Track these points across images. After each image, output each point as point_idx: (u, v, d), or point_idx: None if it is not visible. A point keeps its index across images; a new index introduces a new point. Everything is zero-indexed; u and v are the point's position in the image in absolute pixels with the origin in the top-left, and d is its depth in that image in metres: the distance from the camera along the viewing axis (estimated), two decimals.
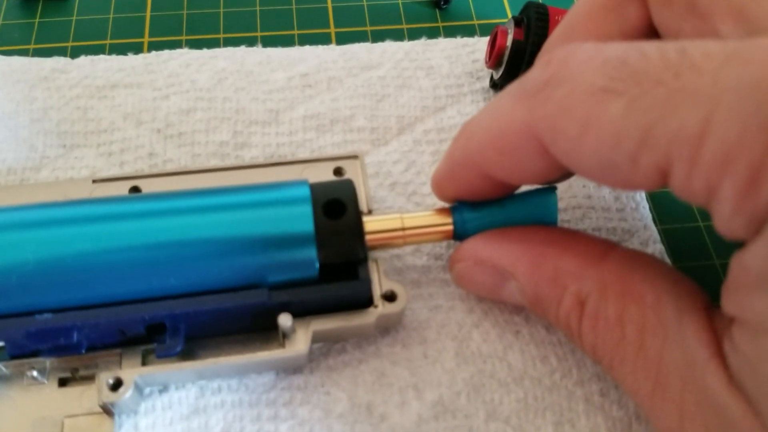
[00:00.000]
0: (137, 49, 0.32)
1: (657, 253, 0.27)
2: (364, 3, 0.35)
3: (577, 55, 0.17)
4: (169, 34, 0.33)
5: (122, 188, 0.25)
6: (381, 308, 0.24)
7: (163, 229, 0.22)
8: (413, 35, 0.34)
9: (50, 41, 0.32)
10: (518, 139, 0.19)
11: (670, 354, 0.19)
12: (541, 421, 0.24)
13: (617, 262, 0.21)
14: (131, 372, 0.22)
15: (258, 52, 0.32)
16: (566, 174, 0.24)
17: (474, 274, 0.23)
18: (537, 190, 0.24)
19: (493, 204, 0.23)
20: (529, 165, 0.19)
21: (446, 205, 0.25)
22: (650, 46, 0.16)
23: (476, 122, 0.21)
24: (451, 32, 0.34)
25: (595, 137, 0.16)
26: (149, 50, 0.32)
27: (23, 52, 0.32)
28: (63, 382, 0.23)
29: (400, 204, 0.28)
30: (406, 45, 0.33)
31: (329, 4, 0.35)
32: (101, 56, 0.31)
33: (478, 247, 0.23)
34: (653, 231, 0.28)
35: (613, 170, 0.17)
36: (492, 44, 0.30)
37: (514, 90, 0.19)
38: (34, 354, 0.22)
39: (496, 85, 0.30)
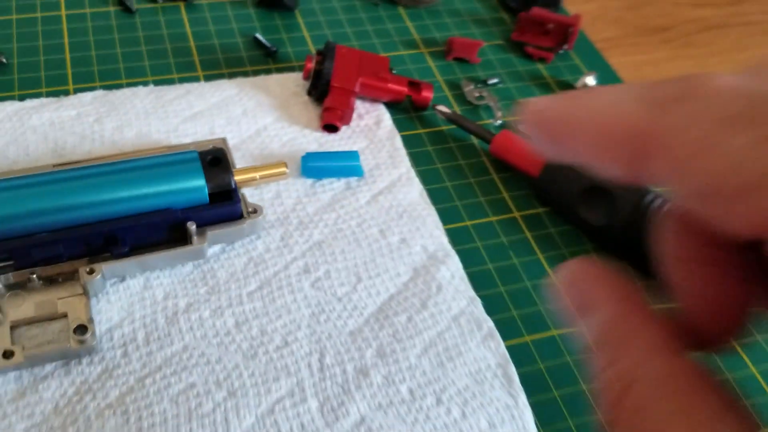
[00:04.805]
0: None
1: None
2: (220, 56, 0.49)
3: (715, 81, 0.16)
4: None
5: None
6: (249, 219, 0.37)
7: (116, 178, 0.35)
8: (257, 74, 0.49)
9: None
10: (623, 134, 0.17)
11: None
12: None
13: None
14: (99, 265, 0.34)
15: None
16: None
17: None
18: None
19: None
20: (612, 160, 0.17)
21: (282, 162, 0.39)
22: None
23: (595, 98, 0.17)
24: (281, 71, 0.49)
25: (711, 160, 0.15)
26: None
27: None
28: (53, 282, 0.35)
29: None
30: (251, 78, 0.47)
31: (195, 58, 0.49)
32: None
33: None
34: None
35: (710, 199, 0.15)
36: (306, 65, 0.46)
37: (641, 91, 0.17)
38: (32, 265, 0.34)
39: (310, 92, 0.46)
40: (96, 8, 0.51)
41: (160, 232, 0.36)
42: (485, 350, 0.36)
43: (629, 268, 0.41)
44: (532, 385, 0.35)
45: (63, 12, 0.50)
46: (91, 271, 0.34)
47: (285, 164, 0.40)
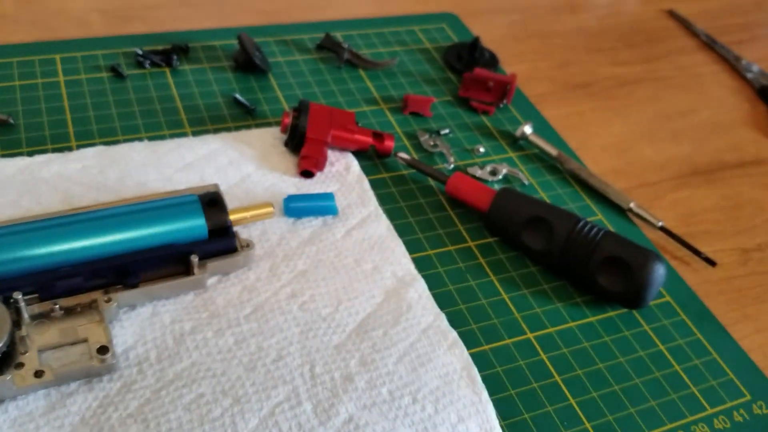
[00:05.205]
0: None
1: None
2: (205, 114, 0.55)
3: None
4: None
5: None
6: (243, 252, 0.43)
7: (128, 218, 0.40)
8: (238, 129, 0.55)
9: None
10: None
11: None
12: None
13: None
14: (115, 294, 0.39)
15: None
16: None
17: None
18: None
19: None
20: None
21: (269, 203, 0.45)
22: None
23: None
24: (259, 126, 0.55)
25: None
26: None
27: None
28: (72, 312, 0.39)
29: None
30: (234, 133, 0.53)
31: (183, 116, 0.54)
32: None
33: None
34: None
35: None
36: (283, 120, 0.52)
37: None
38: (54, 297, 0.39)
39: (287, 144, 0.52)
40: (90, 74, 0.56)
41: (167, 264, 0.41)
42: (451, 356, 0.42)
43: (567, 284, 0.48)
44: (491, 385, 0.41)
45: (61, 78, 0.55)
46: (109, 300, 0.39)
47: (272, 205, 0.46)
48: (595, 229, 0.46)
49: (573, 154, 0.59)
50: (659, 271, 0.44)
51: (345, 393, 0.39)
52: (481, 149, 0.57)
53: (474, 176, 0.55)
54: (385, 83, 0.63)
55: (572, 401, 0.41)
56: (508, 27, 0.75)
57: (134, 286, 0.40)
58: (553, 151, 0.57)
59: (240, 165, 0.51)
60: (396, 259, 0.47)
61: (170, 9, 0.67)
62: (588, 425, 0.40)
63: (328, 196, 0.49)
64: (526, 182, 0.55)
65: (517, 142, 0.59)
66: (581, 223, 0.46)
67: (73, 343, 0.38)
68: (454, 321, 0.44)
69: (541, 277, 0.48)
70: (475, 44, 0.66)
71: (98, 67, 0.57)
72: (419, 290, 0.45)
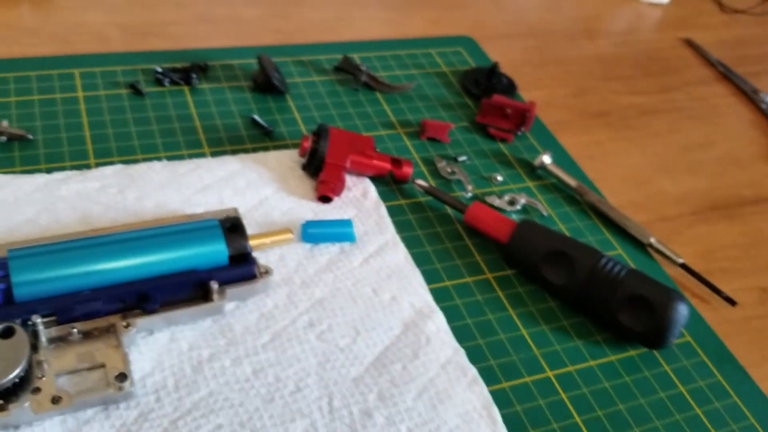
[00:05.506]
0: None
1: None
2: (223, 135, 0.55)
3: None
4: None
5: None
6: (261, 278, 0.42)
7: (149, 242, 0.40)
8: (256, 151, 0.54)
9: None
10: None
11: None
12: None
13: None
14: (134, 320, 0.39)
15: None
16: None
17: None
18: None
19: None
20: None
21: (288, 228, 0.45)
22: None
23: None
24: (277, 148, 0.55)
25: None
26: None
27: None
28: (89, 335, 0.38)
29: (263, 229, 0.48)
30: (252, 155, 0.53)
31: (201, 136, 0.54)
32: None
33: None
34: None
35: None
36: (302, 144, 0.51)
37: None
38: (72, 320, 0.38)
39: (305, 168, 0.52)
40: (109, 90, 0.56)
41: (186, 290, 0.41)
42: (471, 394, 0.41)
43: (586, 321, 0.48)
44: (511, 425, 0.41)
45: (80, 93, 0.55)
46: (128, 325, 0.38)
47: (290, 231, 0.45)
48: (618, 267, 0.46)
49: (591, 184, 0.59)
50: (682, 312, 0.44)
51: (364, 429, 0.38)
52: (499, 177, 0.57)
53: (492, 205, 0.55)
54: (402, 107, 0.62)
55: None
56: (524, 52, 0.75)
57: (153, 311, 0.40)
58: (572, 182, 0.57)
59: (258, 188, 0.51)
60: (414, 289, 0.46)
61: (188, 26, 0.67)
62: None
63: (346, 223, 0.48)
64: (545, 213, 0.55)
65: (535, 171, 0.59)
66: (604, 260, 0.46)
67: (91, 368, 0.38)
68: (473, 356, 0.44)
69: (560, 312, 0.48)
70: (493, 70, 0.66)
71: (117, 84, 0.57)
72: (438, 323, 0.45)
